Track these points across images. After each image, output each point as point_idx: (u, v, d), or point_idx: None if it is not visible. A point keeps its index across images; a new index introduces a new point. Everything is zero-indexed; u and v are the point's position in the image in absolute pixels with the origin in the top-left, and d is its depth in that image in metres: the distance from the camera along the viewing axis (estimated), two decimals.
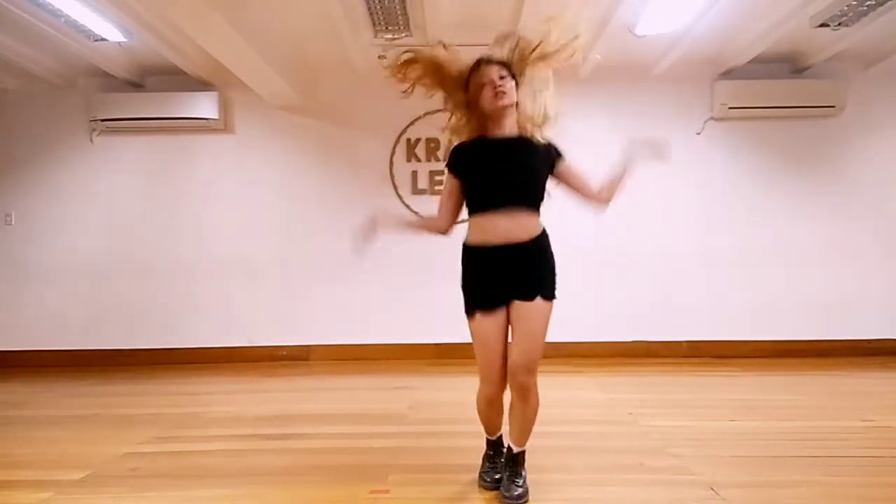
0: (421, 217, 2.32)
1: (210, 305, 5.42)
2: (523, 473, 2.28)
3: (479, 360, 2.22)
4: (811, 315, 5.31)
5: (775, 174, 5.38)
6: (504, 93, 2.12)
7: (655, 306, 5.35)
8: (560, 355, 5.17)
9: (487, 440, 2.45)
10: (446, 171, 2.29)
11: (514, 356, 2.15)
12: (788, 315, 5.32)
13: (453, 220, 2.31)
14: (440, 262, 5.50)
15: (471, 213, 2.23)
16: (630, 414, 3.43)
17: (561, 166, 2.24)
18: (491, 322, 2.16)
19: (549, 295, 2.18)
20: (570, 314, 5.42)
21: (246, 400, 4.08)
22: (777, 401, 3.78)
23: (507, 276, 2.14)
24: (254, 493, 2.38)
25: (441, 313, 5.37)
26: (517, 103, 2.19)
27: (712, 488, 2.31)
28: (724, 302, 5.35)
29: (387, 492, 2.35)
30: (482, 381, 2.25)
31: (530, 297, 2.14)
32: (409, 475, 2.52)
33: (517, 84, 2.19)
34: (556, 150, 2.25)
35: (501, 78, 2.14)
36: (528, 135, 2.20)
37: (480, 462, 2.46)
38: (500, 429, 2.41)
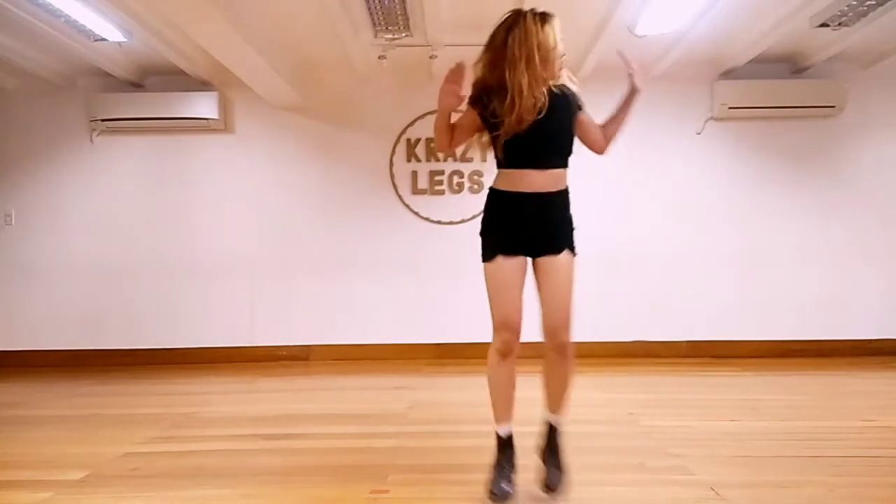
0: (447, 122, 2.22)
1: (210, 305, 5.42)
2: (563, 454, 2.23)
3: (497, 305, 2.14)
4: (811, 315, 5.31)
5: (775, 174, 5.38)
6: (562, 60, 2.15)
7: (655, 306, 5.35)
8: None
9: (498, 439, 2.22)
10: (468, 105, 2.19)
11: (551, 314, 2.14)
12: (788, 315, 5.31)
13: (456, 147, 2.29)
14: (441, 262, 5.52)
15: (503, 165, 2.20)
16: (630, 414, 3.43)
17: (579, 115, 2.28)
18: (513, 265, 2.13)
19: (573, 249, 2.19)
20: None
21: (246, 400, 4.09)
22: (777, 401, 3.78)
23: (534, 226, 2.13)
24: (253, 493, 2.38)
25: (441, 313, 5.38)
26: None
27: (712, 488, 2.31)
28: (724, 302, 5.35)
29: (387, 492, 2.34)
30: (497, 329, 2.14)
31: (558, 251, 2.14)
32: (409, 475, 2.52)
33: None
34: (578, 102, 2.28)
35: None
36: (556, 88, 2.18)
37: (490, 470, 2.20)
38: (512, 413, 2.22)
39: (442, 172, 5.42)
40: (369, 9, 4.05)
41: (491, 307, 2.16)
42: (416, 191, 5.44)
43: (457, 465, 2.64)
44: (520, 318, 2.15)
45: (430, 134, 5.37)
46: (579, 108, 2.28)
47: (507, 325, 2.13)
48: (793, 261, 5.34)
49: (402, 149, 5.45)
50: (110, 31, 4.26)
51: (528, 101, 2.05)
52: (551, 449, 2.26)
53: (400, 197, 5.44)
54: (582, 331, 5.64)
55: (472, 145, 2.29)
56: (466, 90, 2.20)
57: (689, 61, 5.10)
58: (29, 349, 5.38)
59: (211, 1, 3.35)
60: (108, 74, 5.16)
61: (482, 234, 2.21)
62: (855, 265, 5.33)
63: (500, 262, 2.12)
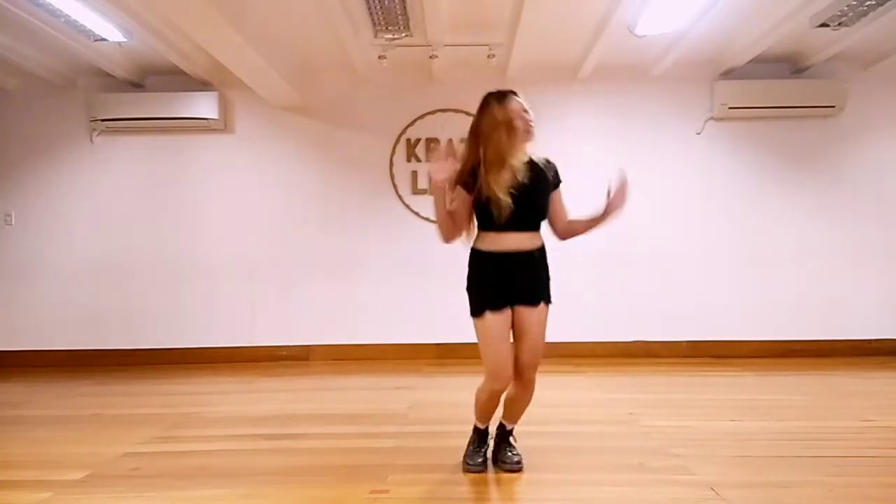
0: (446, 205, 2.39)
1: (210, 305, 5.42)
2: (515, 445, 2.65)
3: (490, 358, 2.38)
4: (811, 315, 5.31)
5: (775, 174, 5.38)
6: (531, 127, 2.39)
7: (655, 306, 5.35)
8: (560, 355, 5.17)
9: (476, 428, 2.63)
10: (459, 189, 2.40)
11: (524, 357, 2.41)
12: (788, 315, 5.32)
13: (460, 234, 2.47)
14: (440, 262, 5.52)
15: (484, 228, 2.42)
16: (630, 414, 3.43)
17: (554, 195, 2.48)
18: (500, 321, 2.36)
19: (549, 300, 2.46)
20: (571, 314, 5.44)
21: (246, 400, 4.09)
22: (777, 401, 3.78)
23: (515, 281, 2.37)
24: (254, 493, 2.38)
25: (441, 313, 5.38)
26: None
27: (712, 488, 2.32)
28: (724, 302, 5.35)
29: (387, 492, 2.35)
30: (490, 378, 2.40)
31: (536, 303, 2.40)
32: (409, 475, 2.53)
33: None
34: (557, 175, 2.48)
35: (524, 111, 2.39)
36: (538, 159, 2.43)
37: (466, 449, 2.63)
38: (491, 420, 2.62)
39: None
40: (369, 9, 4.05)
41: (483, 357, 2.42)
42: (416, 191, 5.44)
43: (457, 465, 2.64)
44: (510, 369, 2.40)
45: (431, 134, 5.43)
46: (557, 184, 2.49)
47: (498, 377, 2.39)
48: (793, 261, 5.34)
49: (402, 149, 5.45)
50: (110, 31, 4.26)
51: (506, 173, 2.30)
52: (506, 442, 2.65)
53: (400, 197, 5.44)
54: (582, 331, 5.70)
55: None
56: (453, 166, 2.37)
57: (689, 61, 5.10)
58: (29, 349, 5.38)
59: (211, 1, 3.35)
60: (108, 74, 5.16)
61: (469, 290, 2.45)
62: (855, 265, 5.33)
63: (489, 317, 2.36)
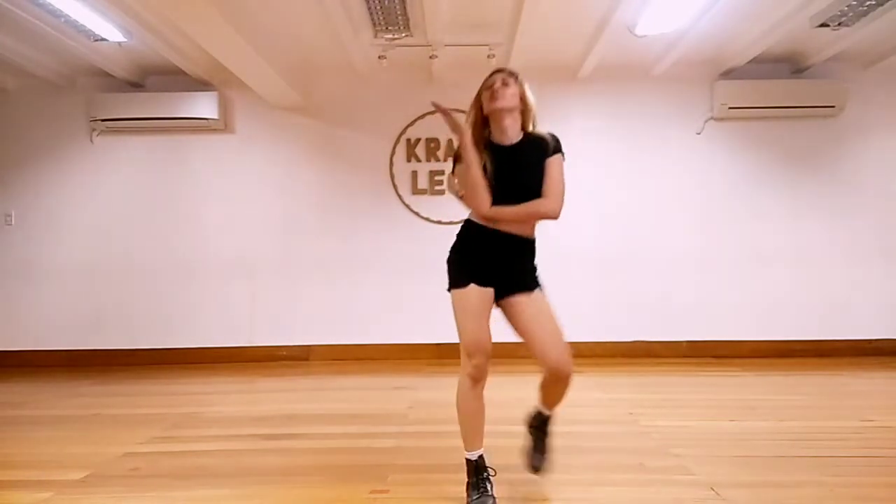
0: (480, 180, 2.14)
1: (210, 305, 5.42)
2: (549, 441, 2.40)
3: (467, 331, 2.14)
4: (811, 315, 5.31)
5: (775, 174, 5.38)
6: (498, 96, 2.15)
7: (655, 306, 5.35)
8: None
9: (468, 463, 2.18)
10: (459, 165, 2.23)
11: (551, 349, 2.15)
12: (788, 315, 5.32)
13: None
14: (441, 262, 5.51)
15: None
16: (630, 414, 3.43)
17: (547, 161, 2.17)
18: (483, 293, 2.15)
19: (541, 287, 2.24)
20: (571, 314, 5.41)
21: (246, 400, 4.09)
22: (777, 401, 3.78)
23: (505, 265, 2.17)
24: (254, 493, 2.38)
25: (441, 313, 5.34)
26: (525, 110, 2.22)
27: (712, 488, 2.31)
28: (724, 302, 5.35)
29: (387, 492, 2.35)
30: (469, 354, 2.12)
31: (530, 290, 2.19)
32: (409, 475, 2.53)
33: (524, 95, 2.21)
34: (556, 146, 2.20)
35: (504, 84, 2.17)
36: (532, 134, 2.22)
37: (468, 492, 2.15)
38: (482, 438, 2.20)
39: (442, 172, 5.42)
40: (369, 9, 4.06)
41: (460, 333, 2.17)
42: (416, 191, 5.44)
43: (457, 465, 2.63)
44: (490, 343, 2.15)
45: (430, 134, 5.43)
46: (552, 151, 2.18)
47: (479, 348, 2.12)
48: (793, 261, 5.34)
49: (402, 149, 5.45)
50: (110, 31, 4.26)
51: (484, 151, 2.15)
52: (542, 433, 2.40)
53: (400, 197, 5.44)
54: (582, 331, 5.68)
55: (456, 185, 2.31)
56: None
57: (689, 61, 5.10)
58: (29, 349, 5.38)
59: (211, 1, 3.35)
60: (108, 74, 5.16)
61: (451, 261, 2.24)
62: (855, 265, 5.32)
63: (473, 289, 2.14)
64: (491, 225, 2.17)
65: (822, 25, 4.25)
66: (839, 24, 4.22)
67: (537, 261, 2.28)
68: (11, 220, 5.43)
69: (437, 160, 5.42)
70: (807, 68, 5.23)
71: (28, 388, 4.54)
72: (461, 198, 2.24)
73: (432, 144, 5.43)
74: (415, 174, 5.44)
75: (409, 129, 5.44)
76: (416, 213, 5.44)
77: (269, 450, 2.93)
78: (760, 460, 2.65)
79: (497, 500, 2.13)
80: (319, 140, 5.47)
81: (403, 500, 2.28)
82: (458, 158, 2.20)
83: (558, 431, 3.15)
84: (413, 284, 5.39)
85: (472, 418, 2.18)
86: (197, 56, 4.81)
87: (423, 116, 5.41)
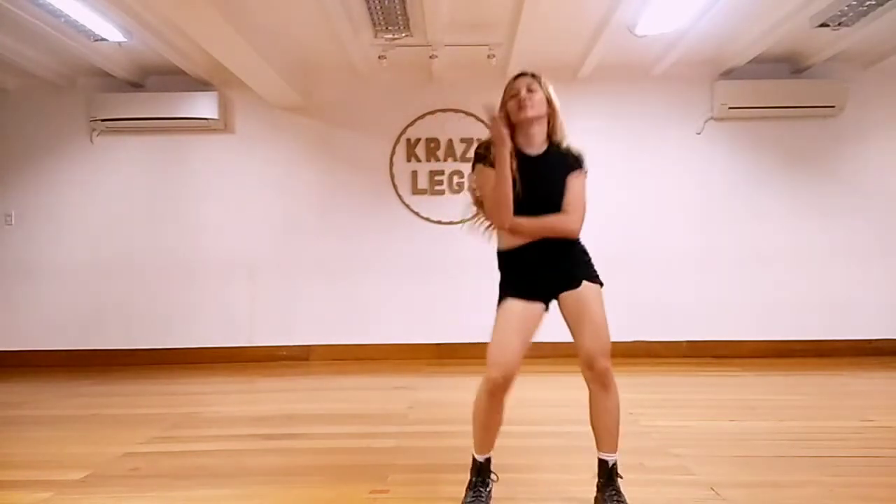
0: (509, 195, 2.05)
1: (210, 305, 5.42)
2: (621, 486, 2.11)
3: (497, 340, 2.09)
4: (811, 315, 5.31)
5: (775, 174, 5.38)
6: (526, 105, 2.11)
7: (656, 306, 5.34)
8: (560, 355, 5.13)
9: (474, 462, 2.17)
10: (482, 165, 2.11)
11: (586, 342, 2.11)
12: (789, 315, 5.31)
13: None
14: (441, 262, 5.52)
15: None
16: (630, 414, 3.43)
17: (570, 176, 2.14)
18: (525, 310, 2.10)
19: (596, 279, 2.20)
20: None
21: (246, 400, 4.09)
22: (777, 401, 3.78)
23: (544, 269, 2.12)
24: (254, 493, 2.38)
25: (441, 313, 5.39)
26: (552, 114, 2.18)
27: (712, 488, 2.31)
28: (724, 302, 5.35)
29: (387, 492, 2.34)
30: (491, 366, 2.06)
31: (577, 283, 2.14)
32: (409, 475, 2.52)
33: (550, 99, 2.17)
34: (579, 162, 2.18)
35: (529, 91, 2.13)
36: (558, 145, 2.18)
37: (466, 491, 2.15)
38: (493, 445, 2.18)
39: (442, 172, 5.42)
40: (369, 9, 4.05)
41: (488, 347, 2.11)
42: (416, 191, 5.44)
43: (457, 465, 2.63)
44: (512, 361, 2.07)
45: (431, 134, 5.43)
46: (577, 168, 2.17)
47: (497, 363, 2.06)
48: (793, 261, 5.34)
49: (402, 149, 5.45)
50: (110, 31, 4.26)
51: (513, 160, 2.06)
52: (612, 483, 2.13)
53: (400, 197, 5.44)
54: None
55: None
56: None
57: (689, 61, 5.10)
58: (29, 349, 5.38)
59: (211, 1, 3.35)
60: (108, 74, 5.16)
61: (501, 287, 2.20)
62: (855, 265, 5.32)
63: (510, 303, 2.11)
64: (516, 245, 2.13)
65: (822, 25, 4.25)
66: (839, 24, 4.22)
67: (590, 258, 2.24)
68: (11, 220, 5.43)
69: (437, 160, 5.42)
70: (807, 68, 5.23)
71: (28, 388, 4.54)
72: (478, 202, 2.18)
73: (432, 144, 5.43)
74: (415, 174, 5.44)
75: (409, 129, 5.43)
76: (416, 213, 5.44)
77: (269, 450, 2.93)
78: (760, 460, 2.65)
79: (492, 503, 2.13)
80: (319, 140, 5.47)
81: (403, 500, 2.28)
82: (481, 159, 2.11)
83: (558, 431, 3.16)
84: (413, 284, 5.39)
85: (488, 427, 2.15)
86: (197, 56, 4.81)
87: (423, 116, 5.41)
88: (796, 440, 2.95)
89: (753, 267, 5.35)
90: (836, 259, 5.33)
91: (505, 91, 2.19)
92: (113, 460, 2.78)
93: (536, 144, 2.16)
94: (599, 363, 2.11)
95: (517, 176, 2.06)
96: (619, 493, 2.09)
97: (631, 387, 4.24)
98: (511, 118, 2.14)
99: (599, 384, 2.14)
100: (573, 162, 2.16)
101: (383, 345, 5.38)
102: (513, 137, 2.11)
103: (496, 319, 2.13)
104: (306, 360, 5.41)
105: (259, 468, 2.67)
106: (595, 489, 2.16)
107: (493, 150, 2.03)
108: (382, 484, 2.42)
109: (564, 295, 2.14)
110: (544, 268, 2.12)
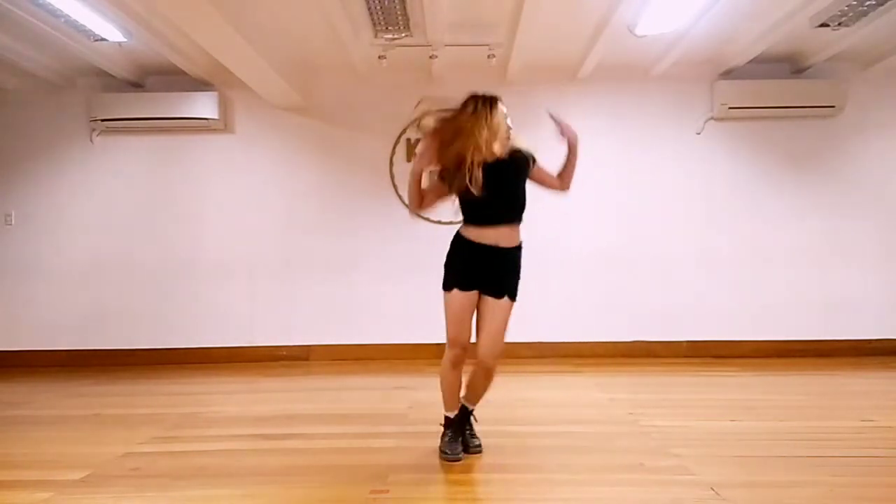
0: (417, 182, 2.75)
1: (210, 305, 5.42)
2: (476, 428, 2.85)
3: (452, 326, 2.64)
4: (811, 315, 5.31)
5: (775, 174, 5.38)
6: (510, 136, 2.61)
7: (655, 306, 5.34)
8: (560, 355, 5.17)
9: (446, 418, 2.75)
10: (437, 178, 2.67)
11: (484, 344, 2.64)
12: (788, 315, 5.31)
13: (425, 209, 2.81)
14: (441, 262, 5.51)
15: (466, 221, 2.68)
16: (630, 414, 3.43)
17: (533, 170, 2.70)
18: (466, 298, 2.62)
19: (514, 296, 2.66)
20: (571, 314, 5.44)
21: (246, 400, 4.09)
22: (777, 401, 3.78)
23: (486, 272, 2.60)
24: (254, 493, 2.38)
25: (441, 313, 5.38)
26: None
27: (712, 488, 2.31)
28: (724, 302, 5.35)
29: (387, 492, 2.35)
30: (451, 346, 2.65)
31: (500, 296, 2.62)
32: (409, 475, 2.53)
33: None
34: (530, 158, 2.68)
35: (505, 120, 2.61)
36: (506, 156, 2.62)
37: (442, 439, 2.73)
38: (458, 403, 2.75)
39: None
40: (369, 9, 4.05)
41: (446, 327, 2.65)
42: None
43: (456, 464, 2.64)
44: (468, 338, 2.66)
45: None
46: (532, 162, 2.70)
47: (457, 342, 2.65)
48: (793, 261, 5.34)
49: (402, 149, 5.45)
50: (110, 31, 4.26)
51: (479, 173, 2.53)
52: (467, 423, 2.81)
53: (400, 197, 5.44)
54: (582, 331, 5.68)
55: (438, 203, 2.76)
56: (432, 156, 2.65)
57: (689, 61, 5.10)
58: (29, 349, 5.38)
59: (211, 1, 3.35)
60: (108, 74, 5.16)
61: (445, 266, 2.69)
62: (855, 265, 5.32)
63: (456, 293, 2.62)
64: (472, 239, 2.62)
65: (822, 25, 4.25)
66: (839, 24, 4.22)
67: (523, 271, 2.69)
68: (11, 220, 5.43)
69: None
70: (807, 68, 5.23)
71: (28, 388, 4.54)
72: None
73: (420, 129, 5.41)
74: None
75: (410, 129, 5.43)
76: (416, 213, 5.43)
77: (269, 450, 2.93)
78: (760, 460, 2.65)
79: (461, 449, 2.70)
80: (319, 140, 5.47)
81: (403, 500, 2.28)
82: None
83: (558, 431, 3.17)
84: (413, 284, 5.39)
85: (451, 390, 2.74)
86: (197, 56, 4.81)
87: (423, 116, 5.40)
88: (796, 440, 2.95)
89: (753, 267, 5.35)
90: (836, 259, 5.33)
91: (461, 111, 2.64)
92: (113, 460, 2.78)
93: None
94: (488, 362, 2.67)
95: (484, 180, 2.51)
96: (471, 427, 2.83)
97: (631, 387, 4.25)
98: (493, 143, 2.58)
99: (484, 374, 2.70)
100: (527, 162, 2.68)
101: (383, 345, 5.38)
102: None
103: (447, 305, 2.65)
104: (306, 360, 5.41)
105: (259, 468, 2.68)
106: None
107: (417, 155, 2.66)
108: (382, 484, 2.42)
109: (486, 298, 2.64)
110: (485, 270, 2.61)
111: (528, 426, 3.17)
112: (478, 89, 2.67)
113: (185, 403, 3.94)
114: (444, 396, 2.75)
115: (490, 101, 2.60)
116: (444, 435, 2.76)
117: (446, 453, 2.68)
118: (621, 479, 2.46)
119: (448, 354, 2.68)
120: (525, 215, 2.68)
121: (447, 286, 2.65)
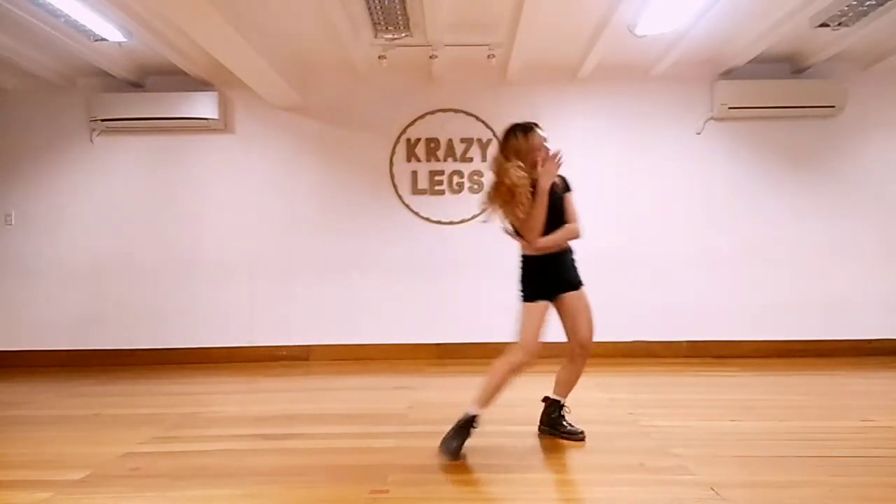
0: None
1: (210, 305, 5.42)
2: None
3: (534, 335, 2.79)
4: (811, 315, 5.31)
5: (775, 174, 5.38)
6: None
7: (655, 306, 5.35)
8: (560, 355, 5.16)
9: (468, 416, 2.75)
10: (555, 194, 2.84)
11: (584, 331, 2.91)
12: (788, 315, 5.32)
13: None
14: (440, 262, 5.52)
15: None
16: (630, 414, 3.43)
17: (565, 196, 2.91)
18: (543, 306, 2.84)
19: (581, 282, 2.97)
20: None
21: (246, 400, 4.09)
22: (777, 401, 3.78)
23: (556, 276, 2.89)
24: (254, 493, 2.38)
25: (441, 313, 5.39)
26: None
27: (712, 488, 2.32)
28: (724, 302, 5.35)
29: (387, 492, 2.35)
30: (526, 353, 2.77)
31: (577, 287, 2.93)
32: (409, 475, 2.53)
33: None
34: (568, 185, 2.93)
35: (545, 142, 2.85)
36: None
37: (456, 433, 2.72)
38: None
39: (442, 172, 5.42)
40: (369, 9, 4.05)
41: (524, 333, 2.81)
42: (416, 191, 5.44)
43: (457, 465, 2.64)
44: (540, 348, 2.81)
45: (430, 134, 5.44)
46: (567, 189, 2.93)
47: (535, 351, 2.80)
48: (793, 261, 5.34)
49: (402, 149, 5.45)
50: (110, 31, 4.26)
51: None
52: (559, 414, 3.04)
53: (400, 197, 5.44)
54: None
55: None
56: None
57: (689, 61, 5.10)
58: (29, 349, 5.38)
59: (211, 1, 3.35)
60: (108, 74, 5.16)
61: (523, 281, 2.91)
62: (855, 265, 5.33)
63: (541, 304, 2.84)
64: (538, 253, 2.85)
65: (822, 25, 4.25)
66: (839, 24, 4.22)
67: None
68: (11, 220, 5.43)
69: (437, 160, 5.42)
70: (807, 68, 5.23)
71: (28, 388, 4.54)
72: (515, 232, 2.87)
73: (432, 144, 5.43)
74: (415, 174, 5.44)
75: (409, 129, 5.43)
76: (416, 213, 5.44)
77: (269, 450, 2.93)
78: (760, 460, 2.65)
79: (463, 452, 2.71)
80: (319, 140, 5.47)
81: (403, 500, 2.28)
82: (512, 196, 2.73)
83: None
84: (413, 284, 5.39)
85: (500, 390, 2.79)
86: (197, 56, 4.81)
87: (423, 116, 5.41)
88: (796, 440, 2.95)
89: (753, 267, 5.35)
90: (836, 259, 5.33)
91: (529, 141, 2.81)
92: (113, 460, 2.78)
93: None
94: (590, 347, 2.94)
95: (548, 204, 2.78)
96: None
97: (631, 387, 4.25)
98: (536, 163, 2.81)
99: (583, 359, 2.95)
100: (563, 186, 2.91)
101: (383, 345, 5.38)
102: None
103: (526, 315, 2.83)
104: (306, 360, 5.41)
105: (259, 468, 2.68)
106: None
107: (540, 189, 2.75)
108: (382, 484, 2.42)
109: (567, 295, 2.90)
110: (554, 276, 2.88)
111: (528, 426, 3.17)
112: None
113: (185, 403, 3.94)
114: (490, 394, 2.77)
115: (521, 129, 2.86)
116: (456, 427, 2.75)
117: (450, 449, 2.69)
118: (621, 479, 2.46)
119: (523, 359, 2.77)
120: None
121: (530, 297, 2.85)
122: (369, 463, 2.68)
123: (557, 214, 2.83)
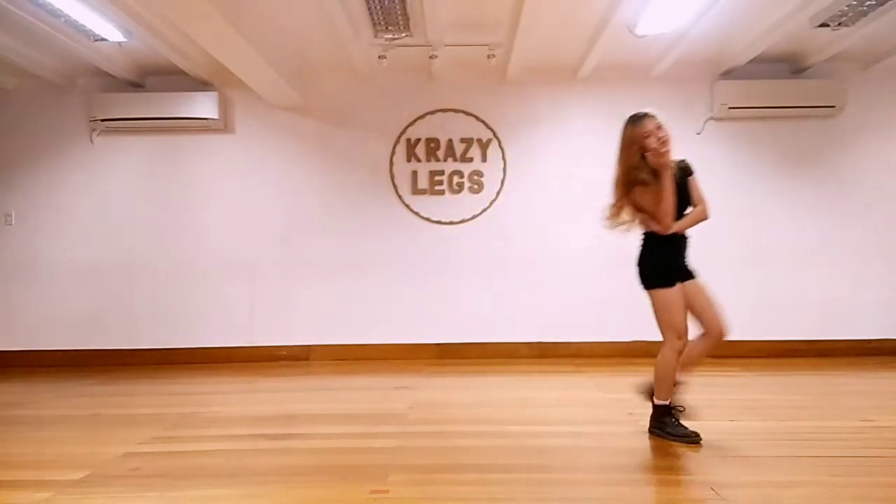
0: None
1: (210, 305, 5.42)
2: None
3: (679, 319, 2.90)
4: (811, 315, 5.31)
5: (775, 174, 5.38)
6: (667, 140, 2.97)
7: None
8: (560, 355, 5.17)
9: (664, 407, 2.94)
10: (641, 188, 2.99)
11: (719, 319, 2.98)
12: (788, 315, 5.32)
13: None
14: (441, 262, 5.52)
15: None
16: (630, 414, 3.43)
17: (690, 180, 3.13)
18: (679, 289, 2.94)
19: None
20: (570, 314, 5.44)
21: (246, 400, 4.08)
22: (777, 401, 3.78)
23: (682, 260, 3.05)
24: (254, 493, 2.38)
25: (441, 313, 5.39)
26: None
27: (712, 488, 2.31)
28: (723, 302, 5.32)
29: (387, 492, 2.34)
30: (680, 337, 2.90)
31: (697, 275, 3.05)
32: (409, 475, 2.52)
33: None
34: (690, 169, 3.15)
35: (659, 128, 3.01)
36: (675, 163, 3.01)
37: (674, 427, 2.89)
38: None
39: (442, 172, 5.42)
40: (369, 9, 4.06)
41: (673, 320, 2.93)
42: (416, 191, 5.44)
43: (457, 465, 2.64)
44: (688, 329, 2.93)
45: (430, 134, 5.44)
46: (691, 173, 3.14)
47: (685, 333, 2.93)
48: (793, 261, 5.34)
49: (402, 149, 5.45)
50: (110, 31, 4.26)
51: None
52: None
53: (400, 197, 5.45)
54: (582, 331, 5.66)
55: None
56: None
57: (689, 61, 5.10)
58: (29, 349, 5.38)
59: (211, 1, 3.35)
60: (108, 74, 5.16)
61: (655, 270, 3.00)
62: (855, 265, 5.33)
63: (679, 287, 2.94)
64: (668, 233, 2.95)
65: (822, 25, 4.25)
66: (839, 24, 4.22)
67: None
68: (11, 220, 5.43)
69: (437, 160, 5.42)
70: (807, 68, 5.23)
71: (28, 388, 4.54)
72: (638, 211, 3.00)
73: (432, 144, 5.43)
74: (415, 174, 5.44)
75: (409, 129, 5.44)
76: (416, 213, 5.44)
77: (269, 450, 2.93)
78: (760, 460, 2.65)
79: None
80: (319, 140, 5.47)
81: (403, 500, 2.28)
82: (638, 183, 2.94)
83: (558, 431, 3.16)
84: (413, 284, 5.39)
85: (672, 378, 2.94)
86: (197, 56, 4.81)
87: (423, 116, 5.42)
88: (796, 440, 2.95)
89: (753, 267, 5.35)
90: (836, 259, 5.33)
91: (638, 130, 3.06)
92: (113, 460, 2.78)
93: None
94: (727, 333, 2.96)
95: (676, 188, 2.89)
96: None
97: (631, 387, 4.24)
98: (651, 150, 2.96)
99: (719, 342, 2.97)
100: (685, 172, 3.05)
101: (383, 345, 5.38)
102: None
103: (668, 300, 2.92)
104: (306, 360, 5.41)
105: (259, 468, 2.67)
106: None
107: (660, 172, 2.91)
108: (382, 484, 2.41)
109: (691, 283, 3.00)
110: (681, 257, 3.04)
111: (528, 426, 3.17)
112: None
113: (185, 403, 3.94)
114: (664, 386, 2.94)
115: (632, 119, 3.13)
116: (667, 423, 2.90)
117: (690, 437, 2.82)
118: (621, 479, 2.46)
119: (677, 345, 2.90)
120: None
121: (668, 282, 2.93)
122: (369, 463, 2.68)
123: (682, 198, 2.99)
